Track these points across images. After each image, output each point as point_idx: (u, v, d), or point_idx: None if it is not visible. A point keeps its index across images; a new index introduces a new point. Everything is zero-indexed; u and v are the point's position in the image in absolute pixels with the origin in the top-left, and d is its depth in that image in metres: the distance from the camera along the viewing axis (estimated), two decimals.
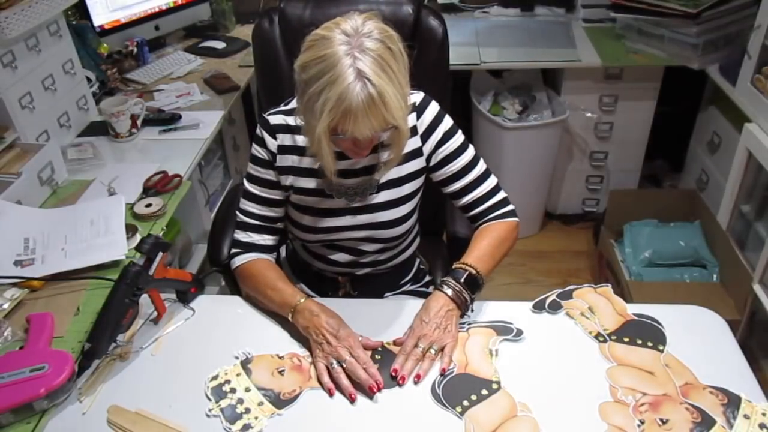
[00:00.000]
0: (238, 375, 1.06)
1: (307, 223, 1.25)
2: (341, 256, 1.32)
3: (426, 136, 1.23)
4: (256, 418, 0.99)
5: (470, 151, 1.25)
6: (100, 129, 1.90)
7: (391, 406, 1.02)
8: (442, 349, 1.09)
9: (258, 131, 1.23)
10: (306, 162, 1.21)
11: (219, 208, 1.68)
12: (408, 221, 1.29)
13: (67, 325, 1.17)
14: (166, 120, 1.92)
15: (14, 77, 1.63)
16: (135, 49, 2.27)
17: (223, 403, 1.01)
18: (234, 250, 1.27)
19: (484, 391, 1.02)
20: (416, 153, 1.23)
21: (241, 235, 1.27)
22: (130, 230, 1.38)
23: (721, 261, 2.13)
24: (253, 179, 1.25)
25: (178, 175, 1.61)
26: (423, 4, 1.50)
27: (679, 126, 2.61)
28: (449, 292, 1.13)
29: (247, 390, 1.04)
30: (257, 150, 1.23)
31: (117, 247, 1.32)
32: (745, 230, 2.09)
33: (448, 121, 1.24)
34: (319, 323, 1.09)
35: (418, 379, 1.05)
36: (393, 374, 1.05)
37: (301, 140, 1.20)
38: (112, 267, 1.29)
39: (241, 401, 1.02)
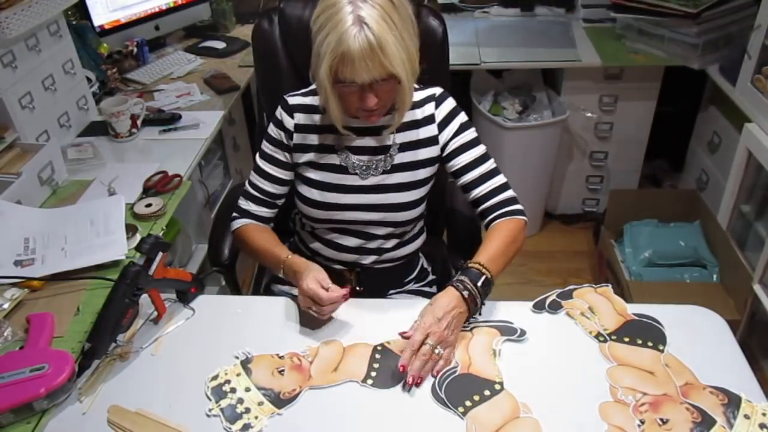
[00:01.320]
0: (238, 375, 1.06)
1: (317, 198, 1.29)
2: (349, 240, 1.33)
3: (443, 125, 1.28)
4: (256, 417, 0.99)
5: (482, 147, 1.30)
6: (100, 129, 1.90)
7: (391, 406, 1.02)
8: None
9: (277, 112, 1.29)
10: (323, 139, 1.27)
11: (219, 208, 1.68)
12: (418, 207, 1.31)
13: (67, 325, 1.17)
14: (166, 120, 1.92)
15: (14, 77, 1.63)
16: (135, 49, 2.27)
17: (223, 402, 1.01)
18: (233, 214, 1.35)
19: (487, 392, 1.02)
20: (432, 140, 1.28)
21: (242, 203, 1.34)
22: (130, 230, 1.38)
23: (721, 261, 2.13)
24: (264, 156, 1.32)
25: (178, 175, 1.61)
26: (423, 4, 1.50)
27: (679, 126, 2.61)
28: (465, 294, 1.11)
29: (247, 390, 1.04)
30: (273, 130, 1.30)
31: (117, 247, 1.32)
32: (745, 230, 2.09)
33: (464, 116, 1.30)
34: (299, 289, 1.15)
35: (419, 382, 1.04)
36: (401, 370, 1.03)
37: (317, 119, 1.27)
38: (112, 267, 1.29)
39: (241, 401, 1.02)
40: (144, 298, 1.14)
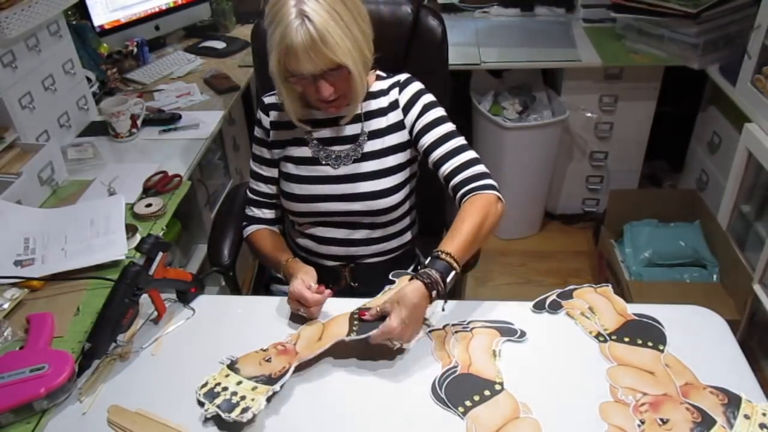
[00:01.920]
0: (226, 376, 1.06)
1: (295, 191, 1.32)
2: (335, 232, 1.35)
3: (407, 108, 1.30)
4: (252, 399, 0.99)
5: (450, 125, 1.29)
6: (100, 129, 1.90)
7: (391, 406, 1.02)
8: None
9: (257, 113, 1.36)
10: (295, 133, 1.32)
11: (219, 208, 1.68)
12: (395, 195, 1.31)
13: (67, 325, 1.17)
14: (166, 120, 1.92)
15: (14, 77, 1.63)
16: (135, 49, 2.27)
17: (218, 400, 1.01)
18: (243, 222, 1.43)
19: (487, 392, 1.02)
20: (399, 126, 1.30)
21: (247, 210, 1.42)
22: (130, 230, 1.38)
23: (721, 261, 2.13)
24: (255, 158, 1.38)
25: (178, 175, 1.61)
26: (422, 4, 1.50)
27: (679, 126, 2.61)
28: (434, 294, 1.07)
29: (239, 383, 1.04)
30: (256, 130, 1.36)
31: (117, 247, 1.32)
32: (745, 230, 2.09)
33: (428, 97, 1.31)
34: (290, 290, 1.18)
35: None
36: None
37: (287, 115, 1.30)
38: (112, 267, 1.29)
39: (235, 393, 1.02)
40: (144, 298, 1.14)
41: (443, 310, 1.16)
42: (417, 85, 1.31)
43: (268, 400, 1.01)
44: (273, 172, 1.37)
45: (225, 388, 1.03)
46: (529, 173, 2.57)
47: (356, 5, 1.16)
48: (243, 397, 1.01)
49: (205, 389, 1.04)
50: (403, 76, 1.32)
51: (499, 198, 1.21)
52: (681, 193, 2.54)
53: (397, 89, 1.31)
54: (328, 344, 1.08)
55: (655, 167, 2.85)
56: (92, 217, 1.41)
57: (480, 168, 1.24)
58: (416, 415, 1.00)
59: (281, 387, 1.02)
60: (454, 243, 1.11)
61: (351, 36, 1.13)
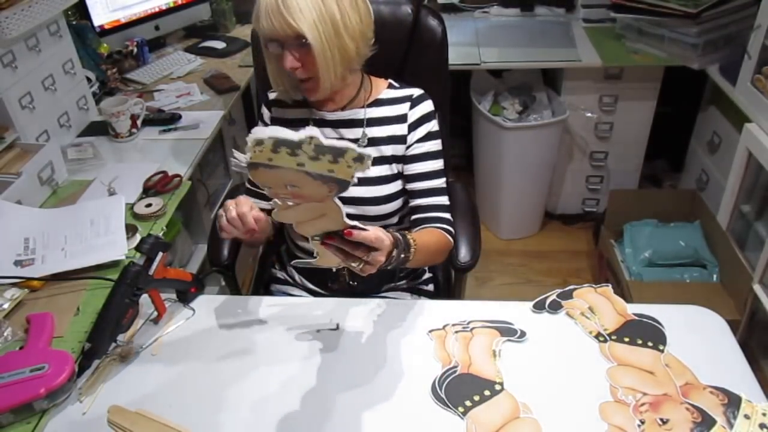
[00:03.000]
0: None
1: None
2: None
3: (413, 127, 1.29)
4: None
5: (442, 163, 1.32)
6: (100, 129, 1.90)
7: (391, 405, 1.02)
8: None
9: (261, 107, 1.38)
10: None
11: (219, 208, 1.68)
12: (392, 203, 1.31)
13: (67, 325, 1.17)
14: (166, 120, 1.92)
15: (14, 77, 1.63)
16: (135, 49, 2.27)
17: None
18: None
19: (487, 392, 1.02)
20: (401, 139, 1.30)
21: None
22: (130, 230, 1.38)
23: (721, 261, 2.13)
24: None
25: (178, 175, 1.61)
26: (422, 4, 1.50)
27: (679, 126, 2.61)
28: (395, 253, 1.04)
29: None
30: (259, 124, 1.37)
31: (117, 247, 1.32)
32: (745, 230, 2.09)
33: (435, 124, 1.31)
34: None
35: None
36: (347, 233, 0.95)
37: (288, 113, 1.33)
38: (112, 267, 1.29)
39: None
40: (144, 298, 1.14)
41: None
42: (428, 106, 1.31)
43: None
44: None
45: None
46: (529, 173, 2.57)
47: None
48: None
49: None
50: (417, 92, 1.31)
51: (451, 247, 1.32)
52: (681, 193, 2.53)
53: (408, 104, 1.30)
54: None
55: (655, 167, 2.85)
56: (92, 217, 1.41)
57: (448, 216, 1.31)
58: (416, 415, 1.00)
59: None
60: (419, 241, 1.14)
61: (324, 12, 1.11)
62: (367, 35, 1.21)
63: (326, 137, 0.97)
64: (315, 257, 1.03)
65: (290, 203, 0.92)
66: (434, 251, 1.25)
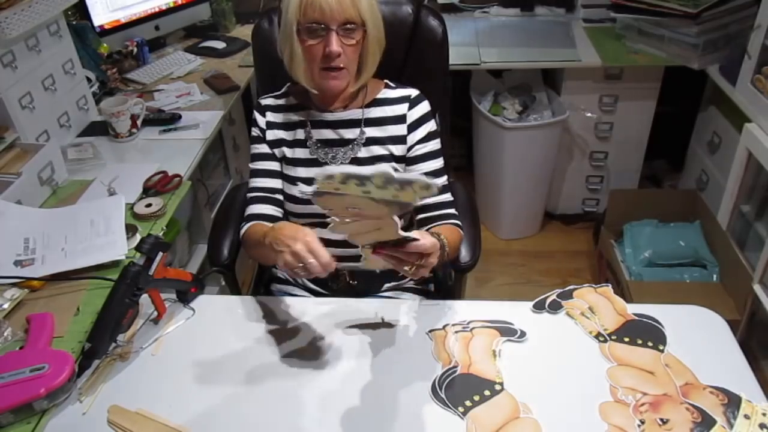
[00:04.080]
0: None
1: (295, 193, 1.32)
2: (335, 234, 1.34)
3: (413, 127, 1.31)
4: None
5: (441, 161, 1.34)
6: (100, 129, 1.90)
7: (391, 405, 1.02)
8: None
9: (254, 115, 1.37)
10: (292, 135, 1.33)
11: (219, 208, 1.68)
12: None
13: (67, 325, 1.17)
14: (166, 120, 1.92)
15: (14, 77, 1.63)
16: (135, 49, 2.27)
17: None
18: (241, 223, 1.34)
19: (487, 392, 1.02)
20: (401, 139, 1.31)
21: (247, 210, 1.34)
22: (130, 230, 1.38)
23: (721, 261, 2.13)
24: (254, 157, 1.36)
25: (178, 175, 1.61)
26: (422, 4, 1.50)
27: (679, 126, 2.61)
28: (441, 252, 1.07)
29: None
30: (254, 131, 1.37)
31: (117, 247, 1.32)
32: (745, 230, 2.09)
33: (433, 124, 1.33)
34: (277, 234, 1.06)
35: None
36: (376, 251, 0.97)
37: (286, 117, 1.33)
38: (112, 267, 1.29)
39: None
40: (144, 298, 1.14)
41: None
42: (426, 106, 1.32)
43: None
44: (272, 165, 1.35)
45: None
46: (529, 173, 2.57)
47: None
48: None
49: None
50: (414, 92, 1.33)
51: (462, 241, 1.32)
52: (681, 193, 2.54)
53: (407, 104, 1.31)
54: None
55: (655, 167, 2.85)
56: (92, 217, 1.41)
57: (452, 211, 1.32)
58: (416, 415, 1.00)
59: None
60: (445, 233, 1.17)
61: (375, 7, 1.18)
62: None
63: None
64: (361, 262, 1.04)
65: (348, 220, 0.95)
66: (454, 247, 1.26)
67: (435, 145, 1.32)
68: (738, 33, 2.23)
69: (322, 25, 1.15)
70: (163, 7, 2.41)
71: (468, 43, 2.48)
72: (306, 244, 1.00)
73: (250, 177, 1.37)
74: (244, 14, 2.71)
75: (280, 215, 1.34)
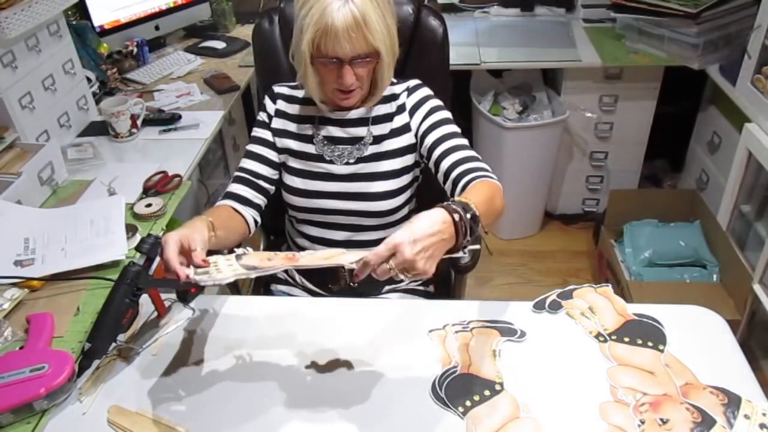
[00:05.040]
0: (227, 261, 1.00)
1: (298, 185, 1.32)
2: (337, 234, 1.36)
3: (413, 111, 1.30)
4: (218, 270, 0.96)
5: (455, 127, 1.28)
6: (100, 129, 1.90)
7: (391, 405, 1.02)
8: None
9: (264, 100, 1.36)
10: (301, 129, 1.32)
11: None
12: (397, 197, 1.32)
13: (67, 325, 1.17)
14: (166, 120, 1.92)
15: (14, 77, 1.63)
16: (135, 49, 2.27)
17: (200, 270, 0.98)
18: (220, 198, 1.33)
19: (487, 392, 1.02)
20: (405, 128, 1.30)
21: (228, 187, 1.33)
22: (130, 230, 1.38)
23: (721, 261, 2.13)
24: (253, 139, 1.36)
25: (178, 175, 1.61)
26: (423, 4, 1.50)
27: (679, 126, 2.61)
28: (456, 217, 0.93)
29: (229, 265, 0.98)
30: (260, 114, 1.36)
31: (117, 247, 1.32)
32: (745, 230, 2.09)
33: (437, 101, 1.32)
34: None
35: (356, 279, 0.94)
36: (344, 269, 0.93)
37: (297, 109, 1.32)
38: (112, 267, 1.29)
39: (215, 264, 0.99)
40: (144, 298, 1.14)
41: (464, 254, 0.98)
42: (425, 90, 1.32)
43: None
44: (267, 152, 1.34)
45: (218, 270, 0.98)
46: (529, 173, 2.57)
47: (390, 1, 1.19)
48: (216, 267, 0.97)
49: (201, 270, 0.98)
50: (413, 82, 1.33)
51: (501, 189, 1.15)
52: (681, 193, 2.54)
53: (406, 93, 1.31)
54: (330, 263, 0.97)
55: (655, 167, 2.85)
56: (92, 217, 1.41)
57: (482, 164, 1.21)
58: (416, 415, 1.00)
59: (255, 275, 0.97)
60: (474, 196, 1.02)
61: (386, 24, 1.15)
62: None
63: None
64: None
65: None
66: (493, 207, 1.08)
67: (442, 114, 1.29)
68: (738, 33, 2.23)
69: (334, 59, 1.15)
70: (163, 7, 2.41)
71: (468, 43, 2.48)
72: (165, 262, 0.98)
73: (244, 156, 1.35)
74: (244, 14, 2.71)
75: (256, 200, 1.31)
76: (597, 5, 2.59)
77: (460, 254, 0.96)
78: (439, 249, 0.92)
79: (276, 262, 0.99)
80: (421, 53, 1.49)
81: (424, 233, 0.90)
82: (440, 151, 1.24)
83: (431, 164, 1.27)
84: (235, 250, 1.03)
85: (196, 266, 0.99)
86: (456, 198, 1.01)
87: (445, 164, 1.22)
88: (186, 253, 1.00)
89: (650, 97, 2.46)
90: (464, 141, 1.26)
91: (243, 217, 1.29)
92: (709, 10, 2.18)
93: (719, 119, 2.32)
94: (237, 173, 1.34)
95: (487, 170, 1.19)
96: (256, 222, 1.32)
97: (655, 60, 2.33)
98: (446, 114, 1.30)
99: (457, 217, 0.94)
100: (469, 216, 0.96)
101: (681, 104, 2.57)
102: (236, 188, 1.31)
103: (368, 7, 1.11)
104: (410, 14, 1.47)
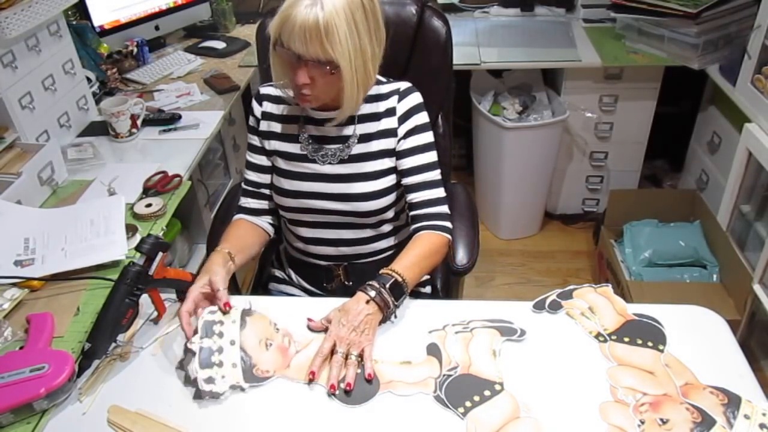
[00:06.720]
0: (233, 322, 1.10)
1: (285, 186, 1.33)
2: (325, 233, 1.36)
3: (403, 119, 1.29)
4: (222, 377, 1.02)
5: (433, 155, 1.30)
6: (100, 129, 1.90)
7: (391, 406, 1.02)
8: (361, 355, 1.07)
9: (252, 102, 1.36)
10: (286, 129, 1.32)
11: (219, 208, 1.68)
12: (383, 198, 1.31)
13: (67, 325, 1.17)
14: (166, 120, 1.92)
15: (14, 77, 1.63)
16: (135, 49, 2.27)
17: (206, 342, 1.05)
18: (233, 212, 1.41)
19: (487, 392, 1.02)
20: (392, 132, 1.29)
21: (239, 200, 1.41)
22: (130, 230, 1.38)
23: (721, 261, 2.13)
24: (248, 147, 1.38)
25: (178, 175, 1.61)
26: (426, 5, 1.50)
27: (679, 126, 2.61)
28: (372, 293, 1.12)
29: (232, 343, 1.07)
30: (250, 119, 1.37)
31: (117, 247, 1.32)
32: (745, 230, 2.09)
33: (424, 116, 1.30)
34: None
35: (349, 388, 1.02)
36: (310, 377, 1.04)
37: (282, 108, 1.32)
38: (112, 267, 1.29)
39: (221, 350, 1.05)
40: (144, 298, 1.14)
41: (395, 317, 1.17)
42: (416, 98, 1.30)
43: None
44: (261, 160, 1.36)
45: (221, 334, 1.07)
46: (529, 173, 2.57)
47: (378, 21, 1.17)
48: (221, 363, 1.04)
49: (209, 317, 1.09)
50: (403, 85, 1.30)
51: (449, 242, 1.29)
52: (681, 193, 2.54)
53: (396, 97, 1.29)
54: (301, 379, 1.06)
55: (655, 167, 2.85)
56: (92, 217, 1.41)
57: (443, 208, 1.29)
58: (416, 415, 1.00)
59: (248, 388, 1.04)
60: (397, 263, 1.19)
61: (358, 44, 1.12)
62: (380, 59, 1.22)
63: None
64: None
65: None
66: (428, 262, 1.24)
67: (425, 138, 1.29)
68: (738, 33, 2.23)
69: (291, 53, 1.12)
70: (163, 7, 2.41)
71: (468, 43, 2.48)
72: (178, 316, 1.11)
73: (245, 166, 1.39)
74: (244, 14, 2.71)
75: (265, 207, 1.39)
76: (597, 5, 2.59)
77: (392, 317, 1.16)
78: (370, 323, 1.11)
79: (268, 355, 1.09)
80: (424, 54, 1.49)
81: (349, 315, 1.10)
82: (411, 182, 1.29)
83: (402, 183, 1.31)
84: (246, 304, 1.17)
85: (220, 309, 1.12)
86: (381, 271, 1.17)
87: (411, 198, 1.30)
88: (210, 297, 1.15)
89: (650, 97, 2.46)
90: (436, 175, 1.30)
91: (259, 226, 1.39)
92: (709, 10, 2.18)
93: (719, 119, 2.32)
94: (243, 185, 1.40)
95: (443, 216, 1.29)
96: (272, 225, 1.42)
97: (655, 60, 2.34)
98: (429, 137, 1.30)
99: (373, 293, 1.12)
100: (388, 285, 1.14)
101: (681, 104, 2.57)
102: (245, 202, 1.39)
103: (337, 19, 1.07)
104: (413, 14, 1.46)
